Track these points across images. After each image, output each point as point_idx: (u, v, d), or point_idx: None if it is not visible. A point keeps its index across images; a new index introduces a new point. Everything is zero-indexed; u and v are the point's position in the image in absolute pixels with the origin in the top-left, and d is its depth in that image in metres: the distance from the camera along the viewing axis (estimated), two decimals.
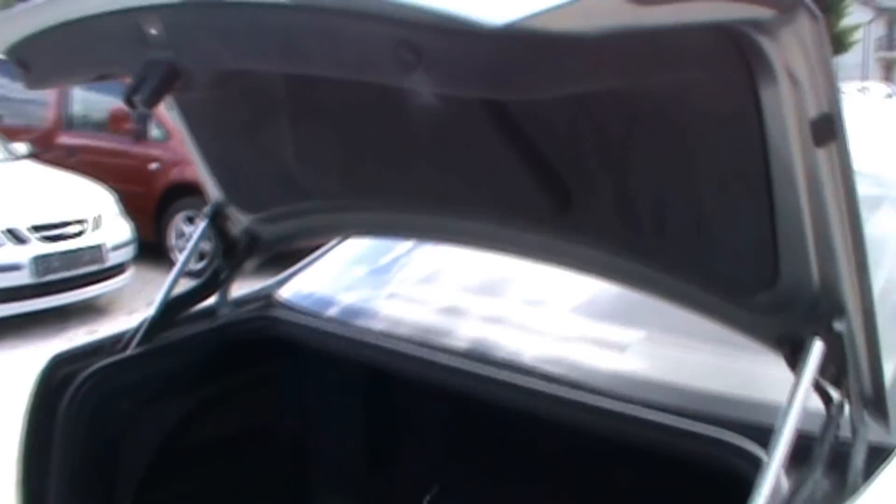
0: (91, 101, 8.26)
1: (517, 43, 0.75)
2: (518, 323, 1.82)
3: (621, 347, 1.60)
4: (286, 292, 2.13)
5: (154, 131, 7.74)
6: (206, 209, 1.98)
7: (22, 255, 5.68)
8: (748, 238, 1.10)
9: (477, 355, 1.68)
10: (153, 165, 7.63)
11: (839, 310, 1.09)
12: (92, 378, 1.74)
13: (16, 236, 5.71)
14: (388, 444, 2.28)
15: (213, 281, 1.98)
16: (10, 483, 1.91)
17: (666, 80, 0.90)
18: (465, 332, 1.80)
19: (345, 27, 0.87)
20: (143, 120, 7.67)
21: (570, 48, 0.78)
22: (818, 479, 1.11)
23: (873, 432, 1.22)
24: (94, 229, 6.12)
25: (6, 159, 6.95)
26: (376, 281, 2.14)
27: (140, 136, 7.76)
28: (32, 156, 7.20)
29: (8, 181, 6.53)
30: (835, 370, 1.13)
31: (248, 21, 0.99)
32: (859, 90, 17.83)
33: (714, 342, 1.41)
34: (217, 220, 1.96)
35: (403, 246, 2.20)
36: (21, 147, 7.18)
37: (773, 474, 1.04)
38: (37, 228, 5.80)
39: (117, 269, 6.34)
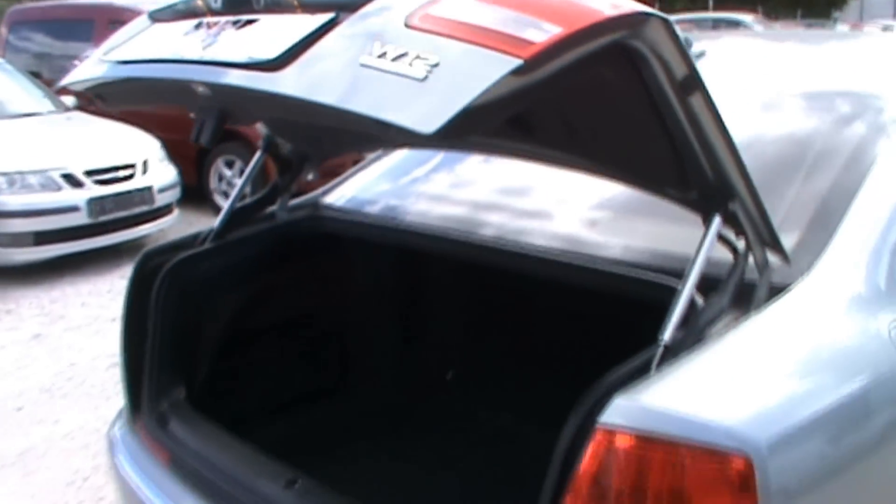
0: None
1: (443, 133, 1.07)
2: (525, 211, 2.22)
3: (593, 223, 2.02)
4: (332, 198, 2.55)
5: None
6: (261, 140, 2.37)
7: (78, 197, 6.13)
8: (660, 158, 1.51)
9: (491, 236, 2.10)
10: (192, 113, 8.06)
11: (732, 193, 1.50)
12: (176, 267, 2.17)
13: (72, 181, 6.16)
14: (416, 325, 2.73)
15: (273, 193, 2.40)
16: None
17: (583, 79, 1.30)
18: (482, 218, 2.21)
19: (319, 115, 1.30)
20: None
21: (489, 114, 1.14)
22: (724, 304, 1.51)
23: (779, 276, 1.62)
24: (142, 173, 6.56)
25: (57, 111, 7.42)
26: (408, 186, 2.55)
27: None
28: (80, 108, 7.67)
29: (61, 131, 7.01)
30: (734, 230, 1.55)
31: (264, 97, 1.37)
32: (883, 29, 17.86)
33: (664, 216, 1.81)
34: (270, 147, 2.36)
35: (435, 158, 2.60)
36: (69, 99, 7.65)
37: (685, 297, 1.45)
38: (90, 173, 6.25)
39: (165, 210, 6.80)
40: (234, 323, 2.34)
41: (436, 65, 1.12)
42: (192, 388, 2.21)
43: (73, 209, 6.11)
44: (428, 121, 1.07)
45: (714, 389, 1.37)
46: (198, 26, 1.52)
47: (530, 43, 1.13)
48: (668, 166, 1.52)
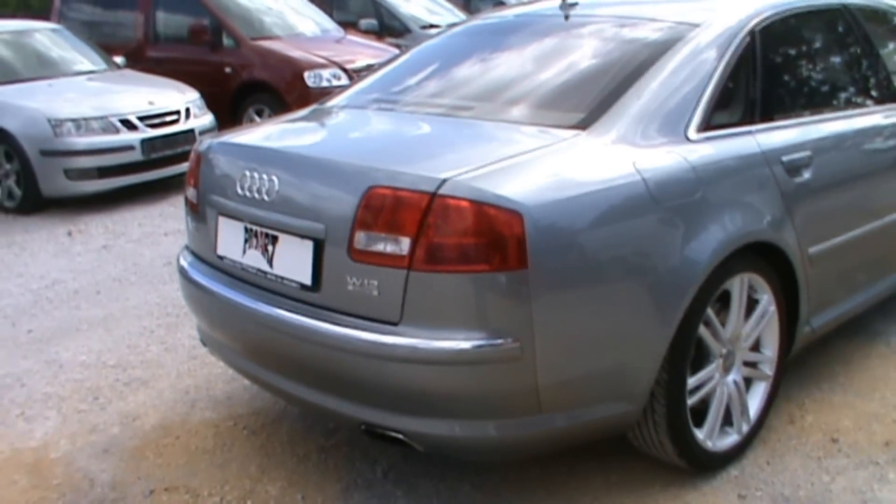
0: (172, 19, 9.84)
1: None
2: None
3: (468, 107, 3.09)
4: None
5: (226, 41, 9.30)
6: None
7: (133, 138, 7.28)
8: None
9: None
10: (227, 69, 9.20)
11: None
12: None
13: (128, 125, 7.32)
14: None
15: None
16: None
17: None
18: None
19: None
20: (217, 32, 9.22)
21: None
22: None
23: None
24: (185, 118, 7.69)
25: (110, 69, 8.61)
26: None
27: (215, 45, 9.32)
28: (128, 66, 8.85)
29: (116, 85, 8.17)
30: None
31: None
32: None
33: None
34: None
35: None
36: (119, 59, 8.83)
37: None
38: (142, 119, 7.39)
39: None
40: None
41: None
42: None
43: (129, 148, 7.28)
44: None
45: (513, 180, 2.44)
46: None
47: None
48: None
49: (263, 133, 3.25)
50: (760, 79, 3.14)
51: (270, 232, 2.75)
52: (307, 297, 2.63)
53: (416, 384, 2.43)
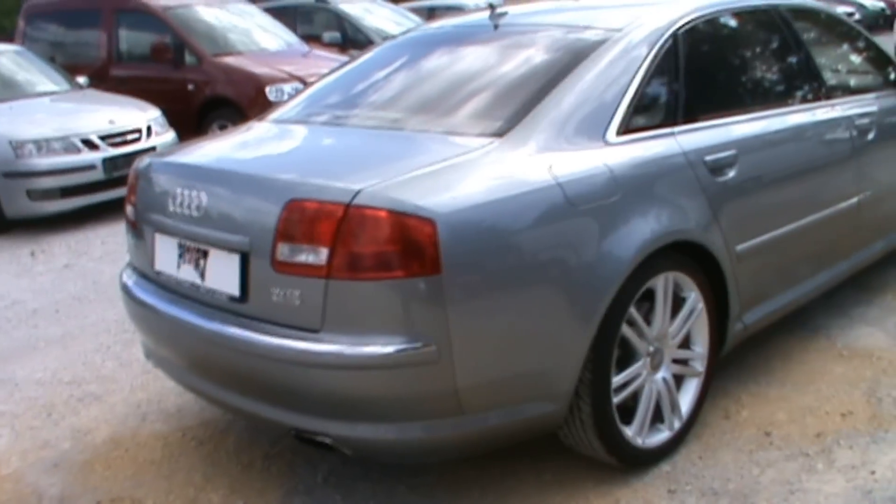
0: (135, 38, 9.90)
1: None
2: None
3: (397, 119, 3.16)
4: None
5: (188, 58, 9.35)
6: None
7: (95, 157, 7.34)
8: None
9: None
10: (190, 86, 9.26)
11: None
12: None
13: (90, 144, 7.37)
14: None
15: None
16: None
17: None
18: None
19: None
20: (180, 50, 9.28)
21: None
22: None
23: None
24: (147, 136, 7.75)
25: (72, 89, 8.65)
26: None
27: (178, 63, 9.37)
28: (91, 86, 8.89)
29: (78, 105, 8.22)
30: None
31: None
32: None
33: None
34: None
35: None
36: (81, 79, 8.88)
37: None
38: (104, 138, 7.46)
39: None
40: None
41: None
42: None
43: (91, 167, 7.33)
44: None
45: (427, 189, 2.51)
46: None
47: None
48: None
49: (198, 150, 3.31)
50: (683, 81, 3.22)
51: (201, 247, 2.81)
52: (236, 308, 2.69)
53: (338, 389, 2.49)
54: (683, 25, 3.31)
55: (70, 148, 7.26)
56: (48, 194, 7.19)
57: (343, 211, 2.41)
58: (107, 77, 9.64)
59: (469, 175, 2.59)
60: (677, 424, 3.14)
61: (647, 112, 3.08)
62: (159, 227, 3.01)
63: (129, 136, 7.64)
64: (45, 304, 5.39)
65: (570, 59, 3.07)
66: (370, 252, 2.39)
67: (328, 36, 11.58)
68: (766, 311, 3.55)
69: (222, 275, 2.73)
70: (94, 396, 4.00)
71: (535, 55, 3.22)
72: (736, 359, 3.80)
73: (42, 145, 7.16)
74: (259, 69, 9.07)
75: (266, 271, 2.57)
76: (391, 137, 3.00)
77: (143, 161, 3.26)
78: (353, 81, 3.61)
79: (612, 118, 2.92)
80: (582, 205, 2.68)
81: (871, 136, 4.01)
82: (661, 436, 3.09)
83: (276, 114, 3.59)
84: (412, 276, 2.38)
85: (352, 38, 11.71)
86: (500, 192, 2.57)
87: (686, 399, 3.20)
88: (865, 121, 4.00)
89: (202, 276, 2.81)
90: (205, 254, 2.80)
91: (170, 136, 8.08)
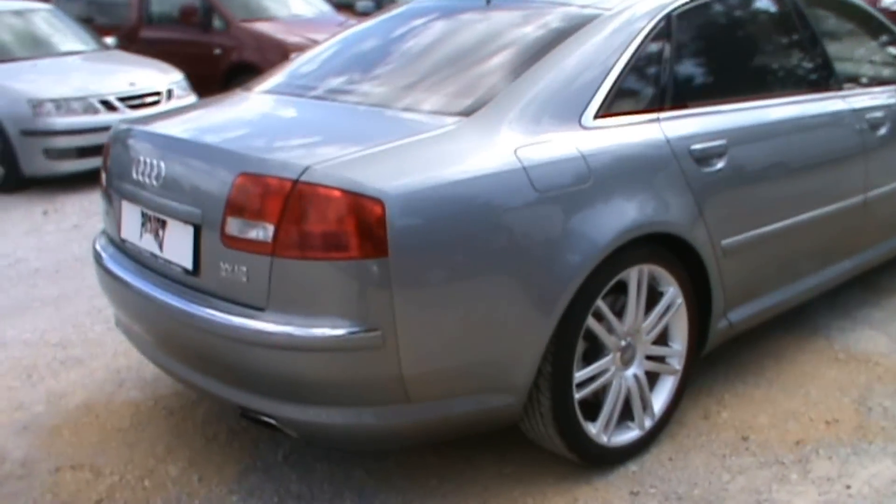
0: (165, 1, 9.88)
1: None
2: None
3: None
4: None
5: (216, 22, 9.31)
6: None
7: (113, 119, 7.30)
8: None
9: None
10: (217, 51, 9.23)
11: None
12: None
13: (108, 105, 7.39)
14: None
15: None
16: None
17: None
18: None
19: None
20: (208, 13, 9.24)
21: None
22: None
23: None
24: (166, 99, 7.73)
25: (98, 49, 8.65)
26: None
27: (206, 27, 9.34)
28: (121, 47, 8.88)
29: (100, 66, 8.22)
30: None
31: None
32: None
33: None
34: None
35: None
36: (110, 40, 8.88)
37: None
38: (123, 99, 7.46)
39: None
40: None
41: None
42: None
43: (108, 128, 7.25)
44: None
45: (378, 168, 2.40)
46: None
47: None
48: None
49: (169, 119, 3.25)
50: (674, 64, 3.08)
51: (160, 216, 2.75)
52: (189, 281, 2.63)
53: (281, 370, 2.42)
54: (679, 7, 3.16)
55: (88, 108, 7.27)
56: (65, 154, 7.20)
57: (290, 187, 2.33)
58: (136, 39, 9.65)
59: (426, 155, 2.49)
60: (648, 423, 3.03)
61: (631, 96, 2.94)
62: (126, 194, 2.97)
63: (149, 99, 7.62)
64: (48, 264, 5.40)
65: (554, 37, 2.94)
66: (315, 231, 2.30)
67: (361, 5, 11.47)
68: (755, 309, 3.41)
69: (177, 246, 2.67)
70: (76, 360, 3.99)
71: (520, 31, 3.10)
72: (726, 356, 3.68)
73: (61, 104, 7.17)
74: (286, 36, 9.00)
75: (216, 245, 2.50)
76: (354, 113, 2.90)
77: (118, 127, 3.20)
78: (337, 54, 3.51)
79: (590, 100, 2.79)
80: (548, 191, 2.56)
81: (883, 130, 3.83)
82: (630, 434, 2.99)
83: (261, 84, 3.51)
84: (358, 258, 2.29)
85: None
86: (459, 174, 2.45)
87: (660, 398, 3.08)
88: (878, 114, 3.82)
89: (160, 246, 2.76)
90: (163, 224, 2.75)
91: (191, 100, 8.04)
